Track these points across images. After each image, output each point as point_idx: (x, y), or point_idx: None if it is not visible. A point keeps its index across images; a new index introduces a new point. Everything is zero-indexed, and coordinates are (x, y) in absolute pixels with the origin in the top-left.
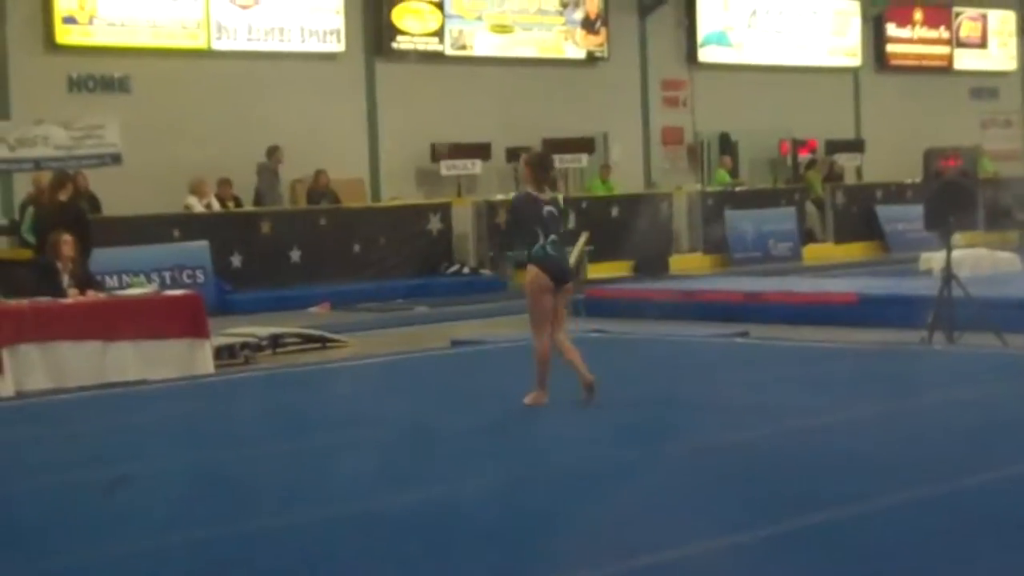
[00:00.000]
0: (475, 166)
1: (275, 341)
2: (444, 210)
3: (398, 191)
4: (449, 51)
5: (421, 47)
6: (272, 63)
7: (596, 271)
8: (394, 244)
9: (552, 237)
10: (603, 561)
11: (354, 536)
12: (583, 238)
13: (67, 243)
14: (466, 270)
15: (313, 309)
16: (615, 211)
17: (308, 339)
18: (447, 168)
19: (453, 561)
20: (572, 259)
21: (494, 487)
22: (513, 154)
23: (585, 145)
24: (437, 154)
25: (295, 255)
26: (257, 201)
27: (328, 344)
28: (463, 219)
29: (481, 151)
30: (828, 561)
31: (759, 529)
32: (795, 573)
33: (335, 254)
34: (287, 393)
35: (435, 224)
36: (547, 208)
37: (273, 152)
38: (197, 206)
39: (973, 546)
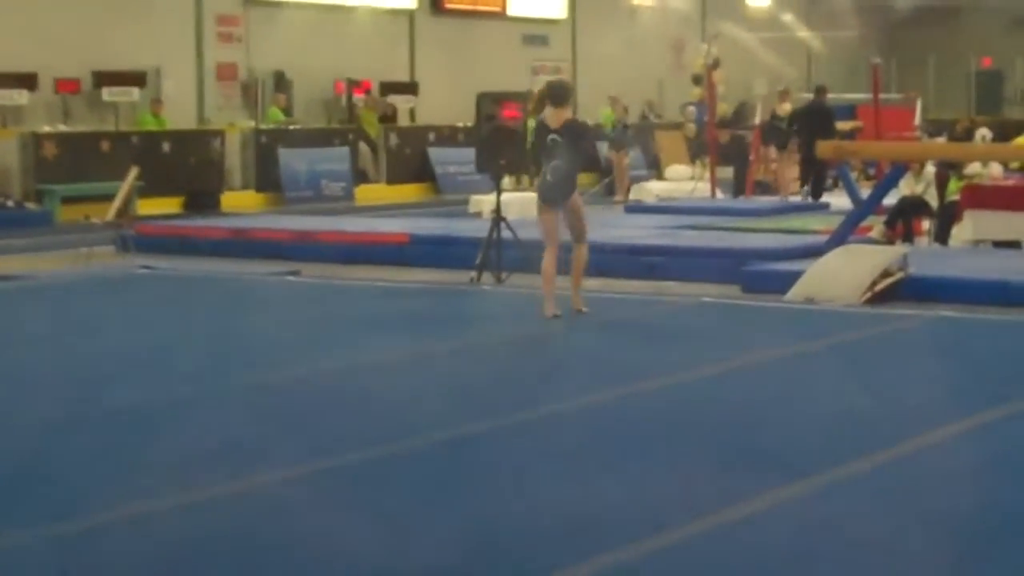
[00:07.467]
0: (21, 96)
1: None
2: None
3: None
4: None
5: None
6: None
7: (146, 207)
8: None
9: (554, 163)
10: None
11: None
12: (132, 173)
13: None
14: (11, 204)
15: None
16: (166, 146)
17: None
18: None
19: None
20: (120, 196)
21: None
22: (61, 85)
23: (137, 79)
24: None
25: None
26: None
27: None
28: (8, 152)
29: (27, 81)
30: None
31: (305, 466)
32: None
33: None
34: None
35: None
36: (551, 136)
37: None
38: None
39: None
